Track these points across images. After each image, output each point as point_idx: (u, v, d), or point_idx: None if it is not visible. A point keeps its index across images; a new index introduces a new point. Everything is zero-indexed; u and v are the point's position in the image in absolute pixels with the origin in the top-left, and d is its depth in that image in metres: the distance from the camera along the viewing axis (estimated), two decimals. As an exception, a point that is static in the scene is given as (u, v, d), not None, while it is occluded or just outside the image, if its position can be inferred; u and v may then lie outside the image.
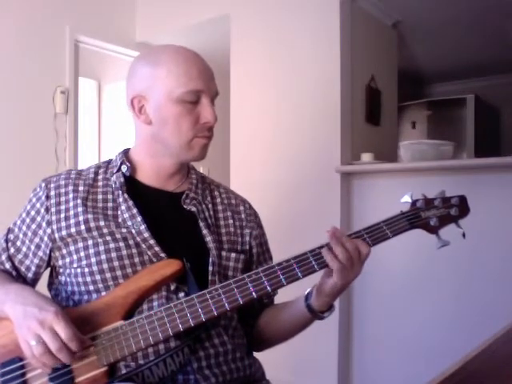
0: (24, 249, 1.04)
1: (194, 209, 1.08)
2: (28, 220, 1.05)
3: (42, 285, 1.07)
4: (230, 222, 1.12)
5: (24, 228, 1.05)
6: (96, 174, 1.08)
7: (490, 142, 4.42)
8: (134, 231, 1.00)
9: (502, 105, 4.63)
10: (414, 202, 1.01)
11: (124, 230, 1.00)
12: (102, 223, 1.00)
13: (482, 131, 4.14)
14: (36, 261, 1.03)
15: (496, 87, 4.61)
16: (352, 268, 0.93)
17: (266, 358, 1.19)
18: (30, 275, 1.05)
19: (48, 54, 2.98)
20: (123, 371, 0.92)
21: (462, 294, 2.20)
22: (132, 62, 1.08)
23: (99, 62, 3.95)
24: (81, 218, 1.00)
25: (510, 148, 3.96)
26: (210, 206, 1.11)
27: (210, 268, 1.02)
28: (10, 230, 1.08)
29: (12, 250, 1.05)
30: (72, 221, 1.00)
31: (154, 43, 3.44)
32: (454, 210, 1.01)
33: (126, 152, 1.12)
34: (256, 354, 1.16)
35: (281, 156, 2.71)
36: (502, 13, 3.08)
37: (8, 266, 1.05)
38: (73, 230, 1.00)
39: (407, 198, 1.01)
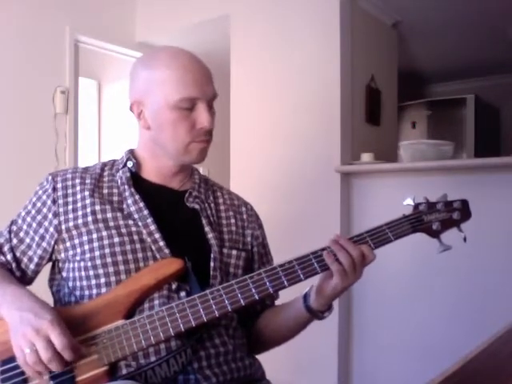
0: (27, 240, 1.05)
1: (197, 206, 1.09)
2: (34, 211, 1.05)
3: (43, 281, 1.08)
4: (232, 221, 1.14)
5: (29, 219, 1.05)
6: (102, 170, 1.10)
7: (490, 142, 4.40)
8: (140, 223, 1.01)
9: (501, 105, 4.62)
10: (416, 206, 1.01)
11: (131, 222, 1.01)
12: (109, 215, 1.01)
13: (482, 131, 4.13)
14: (39, 252, 1.03)
15: (496, 87, 4.60)
16: (354, 272, 0.94)
17: (266, 358, 1.19)
18: (31, 266, 1.05)
19: (48, 54, 2.98)
20: (124, 371, 0.92)
21: (462, 294, 2.20)
22: (132, 65, 1.09)
23: (99, 62, 3.95)
24: (88, 210, 1.01)
25: (510, 148, 3.95)
26: (212, 205, 1.13)
27: (212, 264, 1.03)
28: (13, 222, 1.08)
29: (15, 241, 1.05)
30: (80, 212, 1.01)
31: (154, 43, 3.44)
32: (456, 213, 1.01)
33: (131, 151, 1.14)
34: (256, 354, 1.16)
35: (281, 156, 2.71)
36: (502, 13, 3.08)
37: (9, 257, 1.04)
38: (80, 221, 1.00)
39: (410, 201, 1.01)
